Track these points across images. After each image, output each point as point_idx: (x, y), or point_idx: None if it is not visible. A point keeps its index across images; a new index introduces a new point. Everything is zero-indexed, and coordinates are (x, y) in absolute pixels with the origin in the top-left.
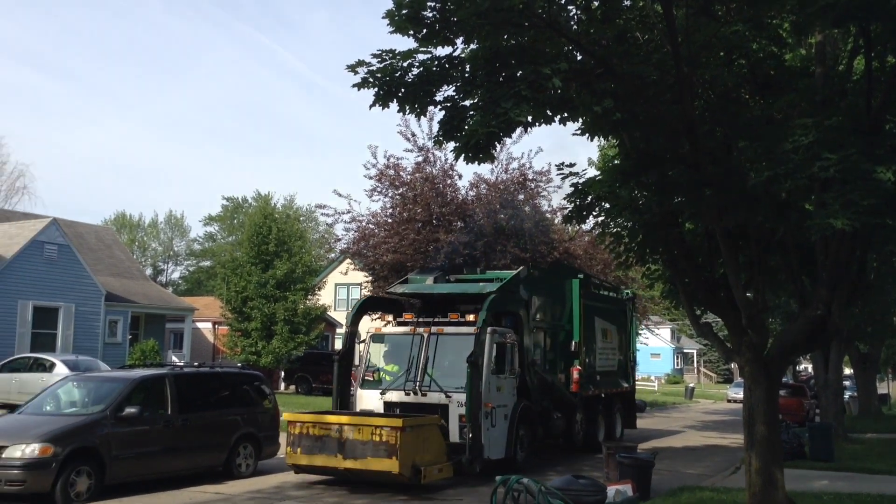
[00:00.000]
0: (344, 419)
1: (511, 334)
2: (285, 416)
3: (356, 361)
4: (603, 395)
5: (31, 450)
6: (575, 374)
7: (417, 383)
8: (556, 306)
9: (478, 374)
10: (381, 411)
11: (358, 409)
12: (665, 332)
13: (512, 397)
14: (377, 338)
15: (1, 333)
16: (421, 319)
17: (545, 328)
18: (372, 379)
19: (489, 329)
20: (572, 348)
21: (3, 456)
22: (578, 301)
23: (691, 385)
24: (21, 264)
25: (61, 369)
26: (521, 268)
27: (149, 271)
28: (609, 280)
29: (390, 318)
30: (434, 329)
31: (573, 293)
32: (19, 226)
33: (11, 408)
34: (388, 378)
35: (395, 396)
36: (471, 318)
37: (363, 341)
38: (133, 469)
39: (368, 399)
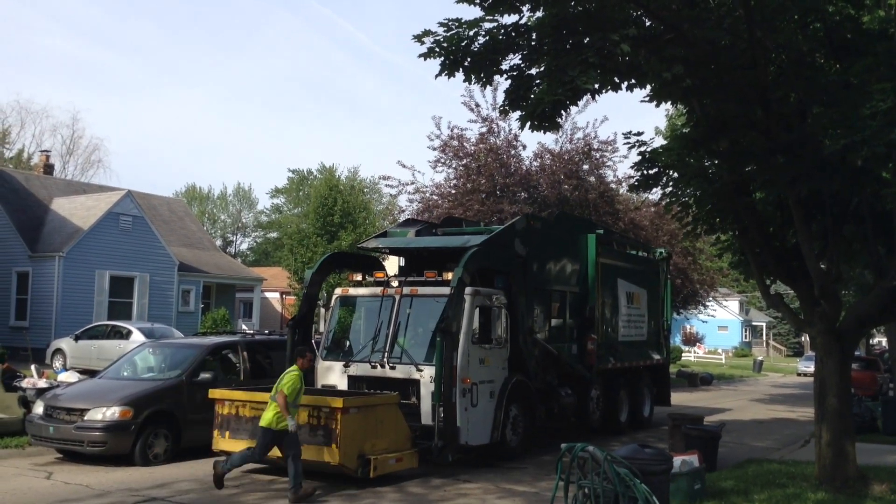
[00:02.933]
0: None
1: (500, 296)
2: (211, 394)
3: (321, 328)
4: (628, 369)
5: (111, 412)
6: (590, 345)
7: (385, 354)
8: (567, 265)
9: (451, 344)
10: (346, 387)
11: (320, 385)
12: (733, 304)
13: (501, 371)
14: (345, 300)
15: (80, 302)
16: (393, 278)
17: (551, 290)
18: (336, 349)
19: (469, 290)
20: (587, 314)
21: (86, 418)
22: (595, 260)
23: (760, 358)
24: (98, 235)
25: (137, 336)
26: (518, 217)
27: (218, 242)
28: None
29: (359, 277)
30: (407, 290)
31: (589, 250)
32: (95, 198)
33: (91, 373)
34: (354, 348)
35: (360, 370)
36: (449, 276)
37: (326, 305)
38: (208, 432)
39: (332, 373)
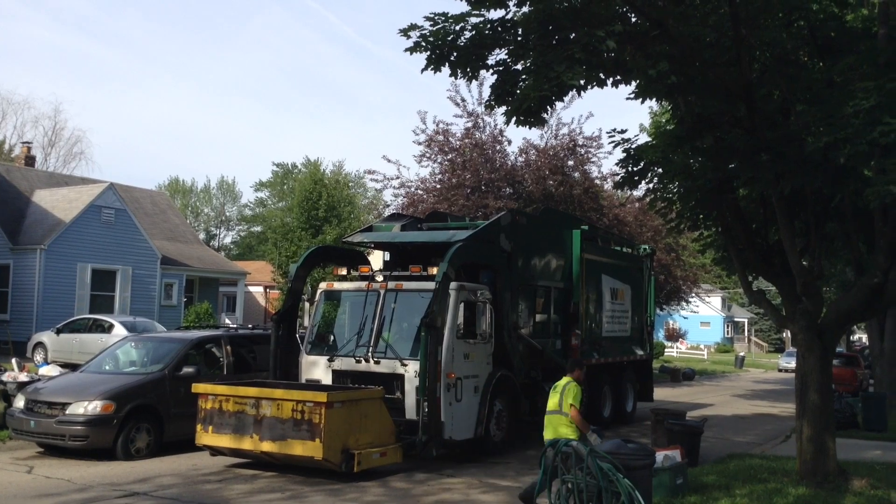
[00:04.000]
0: (261, 392)
1: (485, 291)
2: (195, 388)
3: (306, 322)
4: (611, 364)
5: (93, 407)
6: (574, 340)
7: (370, 349)
8: (552, 260)
9: (436, 339)
10: (330, 382)
11: (304, 379)
12: (716, 300)
13: (486, 366)
14: (330, 295)
15: (61, 295)
16: (377, 273)
17: (536, 286)
18: (320, 344)
19: (454, 285)
20: (571, 310)
21: (67, 412)
22: (580, 255)
23: (741, 354)
24: (80, 228)
25: (120, 330)
26: (503, 212)
27: (202, 236)
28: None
29: (344, 271)
30: (391, 284)
31: (573, 246)
32: (77, 190)
33: (73, 367)
34: (339, 343)
35: (344, 364)
36: (434, 271)
37: (311, 299)
38: (191, 427)
39: (316, 367)
